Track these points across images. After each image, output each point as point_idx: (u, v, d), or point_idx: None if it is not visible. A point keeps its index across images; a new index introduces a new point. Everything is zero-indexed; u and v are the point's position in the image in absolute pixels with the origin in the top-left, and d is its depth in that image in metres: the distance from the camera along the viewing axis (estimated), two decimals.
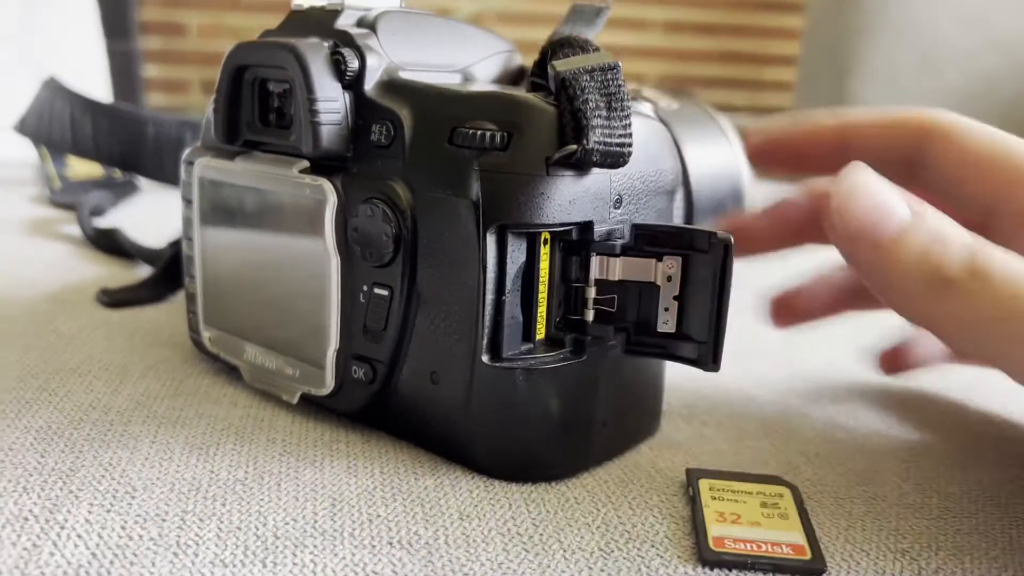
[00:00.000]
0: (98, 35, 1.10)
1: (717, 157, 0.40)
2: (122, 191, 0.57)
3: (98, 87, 1.06)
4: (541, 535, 0.22)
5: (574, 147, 0.22)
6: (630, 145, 0.23)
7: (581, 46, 0.24)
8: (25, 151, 0.61)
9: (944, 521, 0.24)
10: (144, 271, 0.43)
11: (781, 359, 0.36)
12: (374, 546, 0.21)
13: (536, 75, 0.25)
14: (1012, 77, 0.91)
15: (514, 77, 0.30)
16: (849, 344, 0.38)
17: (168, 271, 0.39)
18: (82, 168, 0.60)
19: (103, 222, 0.50)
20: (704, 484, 0.24)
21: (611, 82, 0.23)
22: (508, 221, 0.23)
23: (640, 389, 0.26)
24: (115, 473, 0.24)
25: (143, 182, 0.60)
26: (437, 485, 0.24)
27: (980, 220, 0.24)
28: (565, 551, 0.21)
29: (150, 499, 0.22)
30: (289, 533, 0.21)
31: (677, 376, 0.28)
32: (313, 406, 0.28)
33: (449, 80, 0.27)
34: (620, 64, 0.23)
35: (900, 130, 0.27)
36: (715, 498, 0.23)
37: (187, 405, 0.28)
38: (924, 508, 0.24)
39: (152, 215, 0.53)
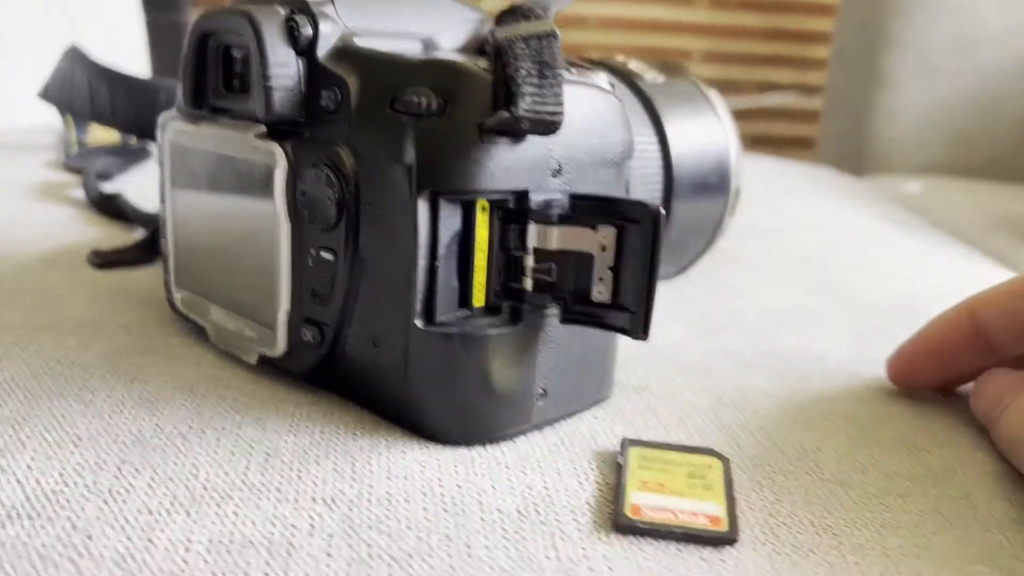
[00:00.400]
0: (138, 6, 1.12)
1: (702, 133, 0.40)
2: (133, 157, 0.58)
3: (140, 58, 1.07)
4: (463, 496, 0.22)
5: (505, 114, 0.22)
6: (561, 113, 0.23)
7: (524, 14, 0.24)
8: (53, 117, 0.63)
9: (876, 499, 0.24)
10: (141, 234, 0.44)
11: (759, 337, 0.35)
12: (297, 501, 0.22)
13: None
14: None
15: (481, 46, 0.30)
16: (829, 326, 0.38)
17: (158, 234, 0.39)
18: (102, 135, 0.61)
19: (111, 187, 0.51)
20: (635, 452, 0.24)
21: (545, 49, 0.23)
22: (442, 187, 0.23)
23: (585, 358, 0.26)
24: (65, 424, 0.25)
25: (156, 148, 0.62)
26: (372, 446, 0.24)
27: None
28: (483, 513, 0.22)
29: (92, 449, 0.23)
30: (218, 485, 0.22)
31: (637, 349, 0.28)
32: (271, 367, 0.29)
33: (408, 48, 0.27)
34: (557, 32, 0.23)
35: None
36: (642, 467, 0.23)
37: (150, 363, 0.29)
38: (860, 486, 0.24)
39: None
